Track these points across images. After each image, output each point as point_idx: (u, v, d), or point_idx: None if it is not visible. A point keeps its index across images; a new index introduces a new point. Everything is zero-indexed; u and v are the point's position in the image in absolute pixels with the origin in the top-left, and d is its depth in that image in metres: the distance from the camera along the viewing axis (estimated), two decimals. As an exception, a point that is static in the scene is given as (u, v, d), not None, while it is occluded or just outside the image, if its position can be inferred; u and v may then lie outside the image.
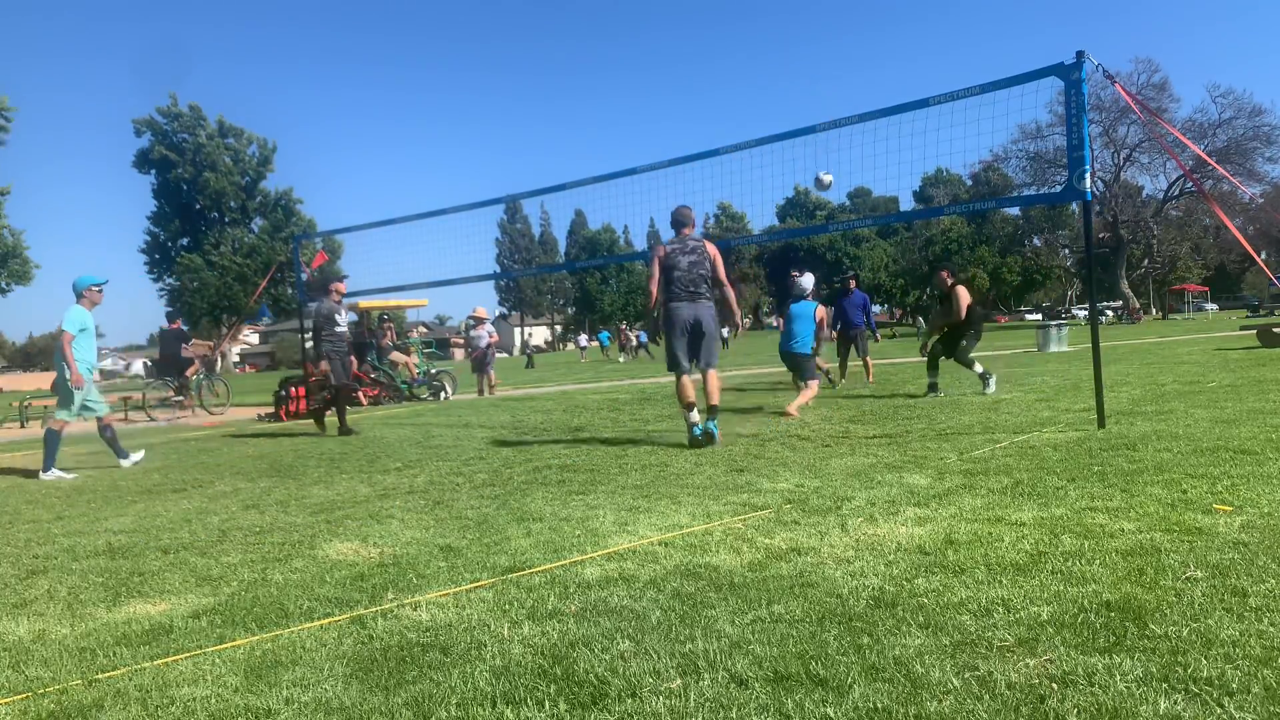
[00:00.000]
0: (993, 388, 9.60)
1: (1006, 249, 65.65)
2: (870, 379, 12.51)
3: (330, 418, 10.26)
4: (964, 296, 9.67)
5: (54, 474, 7.30)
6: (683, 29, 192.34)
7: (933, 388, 9.77)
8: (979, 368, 9.82)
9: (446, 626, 2.72)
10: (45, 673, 2.54)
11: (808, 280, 10.05)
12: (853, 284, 13.06)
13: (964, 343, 9.75)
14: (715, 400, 6.83)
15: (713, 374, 6.89)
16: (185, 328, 16.04)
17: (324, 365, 9.76)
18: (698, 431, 6.66)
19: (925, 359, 10.03)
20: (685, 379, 6.92)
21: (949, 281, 9.85)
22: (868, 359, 12.71)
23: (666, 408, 10.65)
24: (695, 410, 6.79)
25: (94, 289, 7.83)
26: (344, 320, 10.14)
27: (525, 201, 10.31)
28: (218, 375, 18.39)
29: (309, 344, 10.66)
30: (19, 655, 2.70)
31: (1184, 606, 2.49)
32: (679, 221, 7.14)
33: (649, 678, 2.21)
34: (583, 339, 52.86)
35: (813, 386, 9.30)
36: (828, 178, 8.77)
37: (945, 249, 70.17)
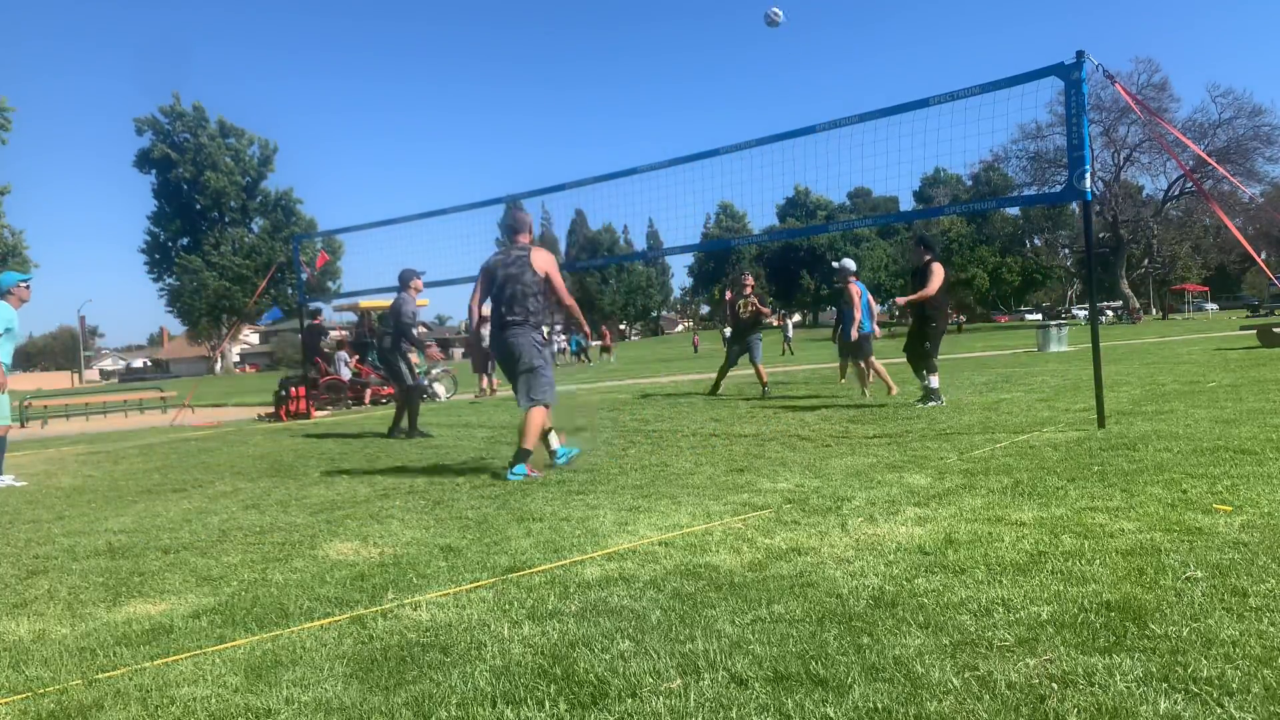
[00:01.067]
0: (932, 403, 8.62)
1: (1006, 249, 65.68)
2: (871, 379, 12.56)
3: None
4: (939, 275, 8.64)
5: (4, 480, 6.96)
6: (683, 28, 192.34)
7: (928, 395, 8.80)
8: (934, 382, 8.76)
9: (446, 626, 2.72)
10: (45, 673, 2.54)
11: (849, 263, 10.46)
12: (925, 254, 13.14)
13: (927, 344, 8.75)
14: (525, 442, 5.71)
15: (533, 412, 5.76)
16: (324, 323, 17.42)
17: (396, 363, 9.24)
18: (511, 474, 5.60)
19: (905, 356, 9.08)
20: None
21: (926, 257, 8.81)
22: (871, 359, 12.80)
23: (667, 407, 10.65)
24: (552, 434, 6.07)
25: (21, 285, 7.24)
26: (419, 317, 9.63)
27: (526, 201, 10.20)
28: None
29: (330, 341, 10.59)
30: (19, 655, 2.70)
31: (1184, 606, 2.49)
32: (510, 227, 6.20)
33: (649, 678, 2.21)
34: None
35: (875, 364, 10.10)
36: (778, 13, 8.60)
37: (946, 248, 70.19)
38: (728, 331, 12.46)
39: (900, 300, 9.26)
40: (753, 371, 12.11)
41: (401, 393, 9.40)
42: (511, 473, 5.60)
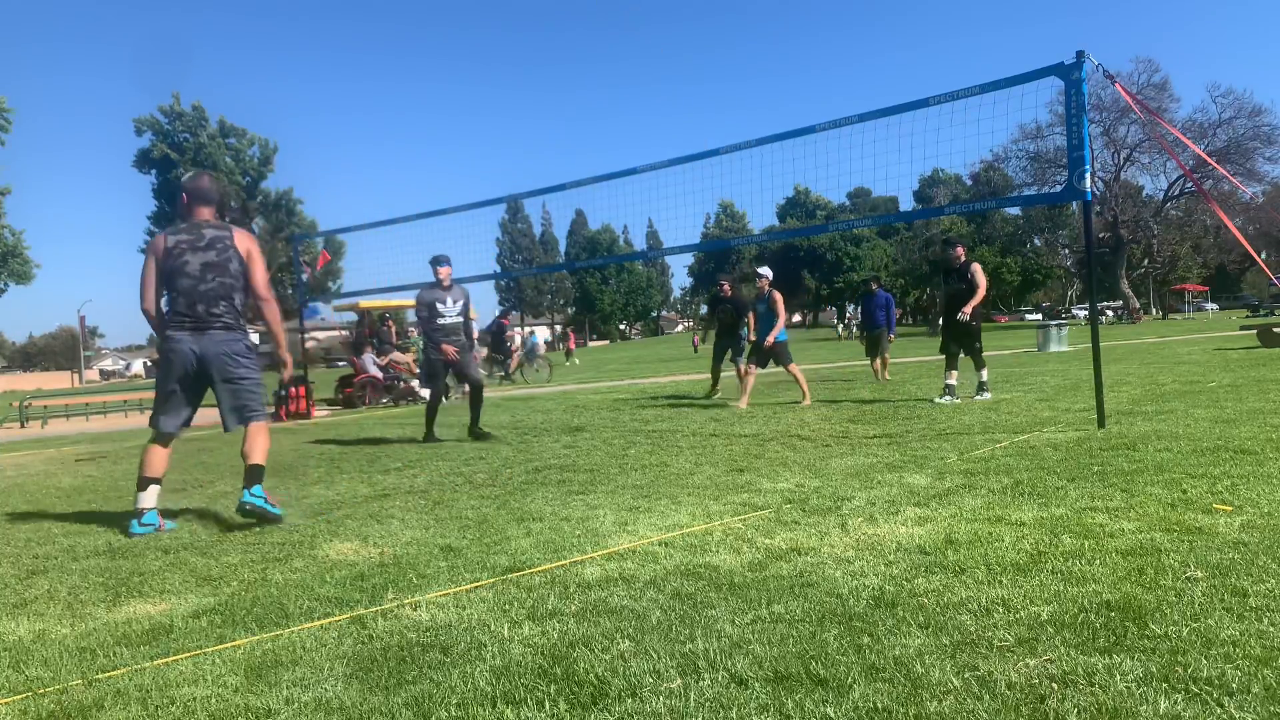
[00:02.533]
0: (986, 396, 9.11)
1: (1007, 249, 65.65)
2: (885, 377, 12.78)
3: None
4: (981, 271, 9.18)
5: None
6: (684, 26, 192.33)
7: (949, 390, 9.14)
8: (985, 375, 9.32)
9: (446, 626, 2.72)
10: (45, 673, 2.54)
11: (766, 270, 10.68)
12: (875, 286, 13.59)
13: (978, 344, 9.19)
14: (254, 459, 4.61)
15: (253, 428, 4.70)
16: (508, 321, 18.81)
17: (450, 353, 8.08)
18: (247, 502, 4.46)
19: (942, 357, 9.45)
20: (156, 448, 4.68)
21: (963, 256, 9.29)
22: (886, 356, 13.02)
23: (667, 408, 10.65)
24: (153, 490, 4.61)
25: None
26: (452, 308, 8.26)
27: (526, 201, 10.17)
28: (541, 356, 22.31)
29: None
30: (19, 655, 2.70)
31: (1184, 606, 2.49)
32: (195, 194, 4.75)
33: (649, 678, 2.21)
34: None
35: (796, 371, 10.41)
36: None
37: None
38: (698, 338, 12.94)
39: (968, 311, 9.17)
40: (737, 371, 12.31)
41: (474, 391, 8.58)
42: (250, 493, 4.49)
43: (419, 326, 8.47)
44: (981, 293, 9.08)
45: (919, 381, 12.31)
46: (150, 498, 4.57)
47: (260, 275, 4.74)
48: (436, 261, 8.30)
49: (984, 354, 9.39)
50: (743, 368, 11.48)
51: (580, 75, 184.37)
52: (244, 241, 4.75)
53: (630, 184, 8.97)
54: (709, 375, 12.86)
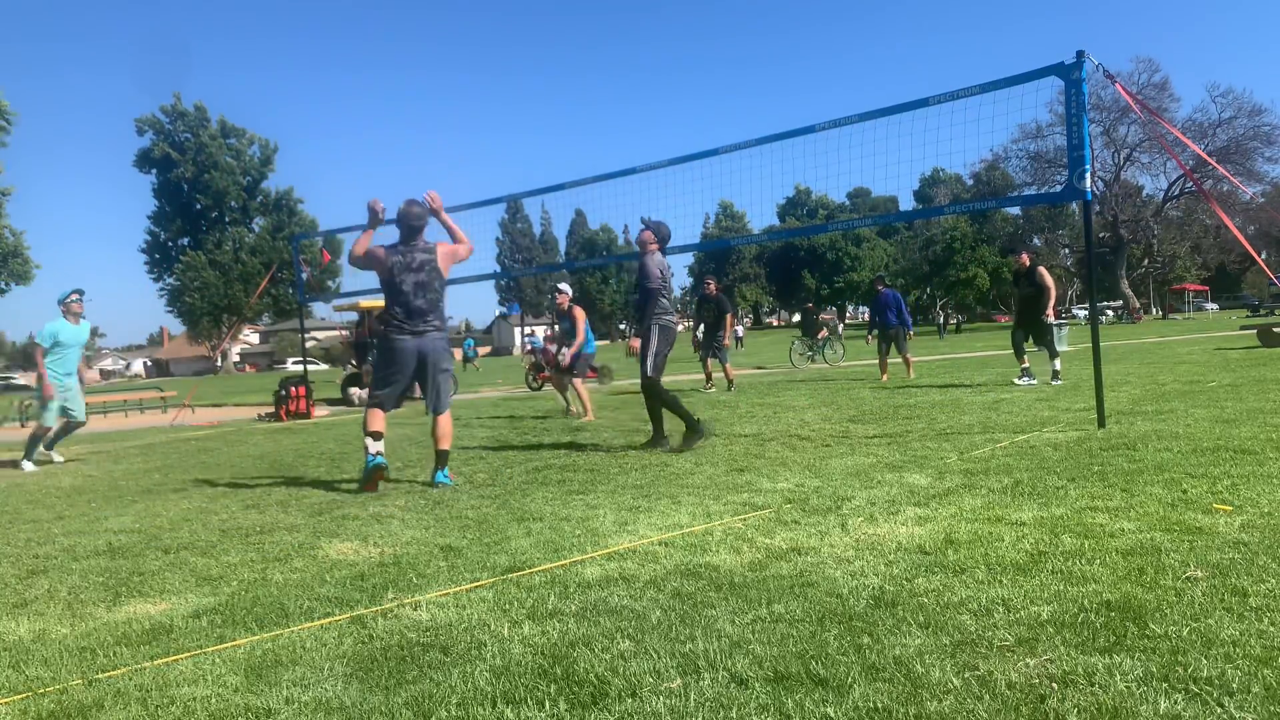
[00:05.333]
0: (1060, 383, 10.06)
1: (1007, 249, 65.64)
2: (910, 375, 12.96)
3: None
4: (1048, 274, 10.35)
5: (28, 465, 8.34)
6: (685, 26, 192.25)
7: (1026, 373, 10.37)
8: (1058, 364, 10.34)
9: (446, 626, 2.72)
10: (45, 673, 2.54)
11: (565, 286, 10.55)
12: (880, 286, 13.89)
13: (1051, 332, 10.37)
14: (446, 444, 5.70)
15: (442, 417, 5.72)
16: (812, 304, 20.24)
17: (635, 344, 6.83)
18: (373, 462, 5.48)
19: (1014, 351, 10.72)
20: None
21: (1028, 261, 10.56)
22: (908, 356, 13.15)
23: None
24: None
25: (73, 299, 8.62)
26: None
27: (526, 201, 10.19)
28: (839, 337, 23.49)
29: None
30: (19, 655, 2.70)
31: (1184, 606, 2.49)
32: (411, 224, 5.79)
33: (649, 677, 2.21)
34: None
35: (579, 386, 10.18)
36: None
37: (947, 247, 70.14)
38: (699, 333, 13.09)
39: (1051, 315, 10.61)
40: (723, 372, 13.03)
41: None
42: (442, 475, 5.60)
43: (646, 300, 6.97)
44: (1054, 293, 10.38)
45: (922, 381, 12.32)
46: (376, 445, 5.57)
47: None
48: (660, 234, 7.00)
49: (1024, 351, 10.65)
50: (728, 368, 12.65)
51: (580, 75, 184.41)
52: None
53: (630, 184, 8.96)
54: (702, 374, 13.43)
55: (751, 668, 2.23)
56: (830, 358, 20.46)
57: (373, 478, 5.48)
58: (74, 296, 8.62)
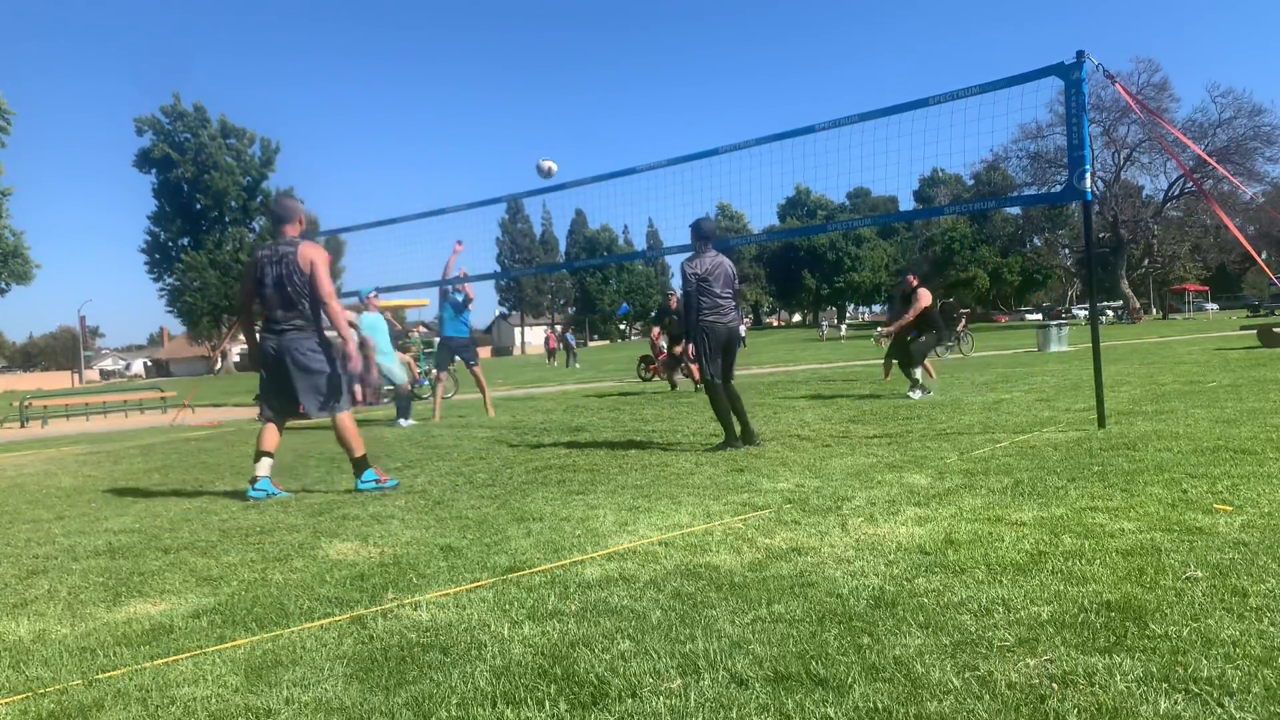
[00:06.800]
0: (916, 396, 9.47)
1: (1007, 249, 65.67)
2: (931, 376, 12.83)
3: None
4: (924, 300, 9.84)
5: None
6: (685, 26, 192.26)
7: (916, 386, 9.74)
8: (918, 374, 9.76)
9: (446, 626, 2.72)
10: (45, 673, 2.54)
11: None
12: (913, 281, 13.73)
13: (922, 339, 9.86)
14: (355, 450, 5.48)
15: (342, 418, 5.49)
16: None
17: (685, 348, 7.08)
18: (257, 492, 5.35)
19: (897, 363, 10.24)
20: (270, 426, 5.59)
21: (914, 283, 10.09)
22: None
23: (667, 407, 10.65)
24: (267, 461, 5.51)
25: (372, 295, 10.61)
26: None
27: (526, 201, 10.24)
28: (965, 333, 22.40)
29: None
30: (19, 655, 2.70)
31: (1184, 606, 2.49)
32: (277, 216, 5.61)
33: (649, 678, 2.21)
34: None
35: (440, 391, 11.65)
36: (548, 164, 9.06)
37: (947, 248, 70.16)
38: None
39: (883, 331, 10.45)
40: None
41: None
42: (361, 483, 5.39)
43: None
44: (905, 319, 9.87)
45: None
46: (260, 468, 5.49)
47: (323, 280, 5.44)
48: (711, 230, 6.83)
49: (913, 368, 9.92)
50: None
51: (580, 75, 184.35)
52: (306, 252, 5.43)
53: (630, 184, 8.96)
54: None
55: (751, 668, 2.23)
56: (965, 349, 20.96)
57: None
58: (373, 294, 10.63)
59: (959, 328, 21.49)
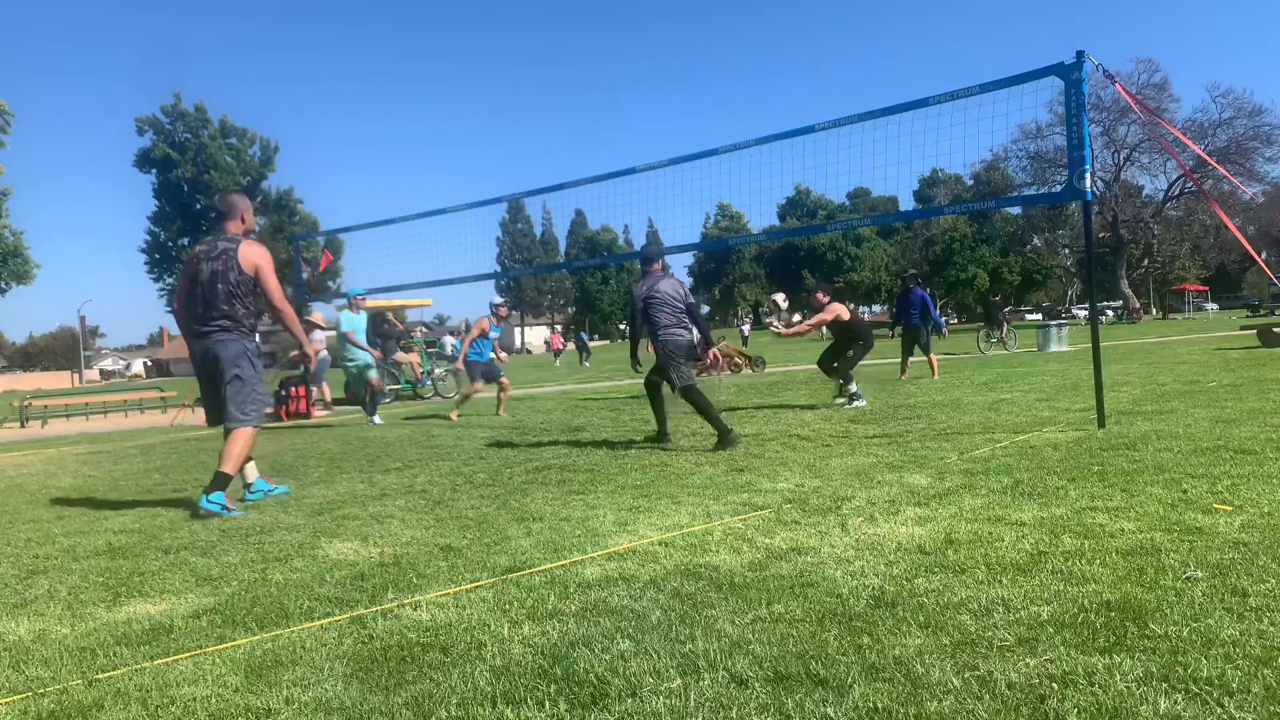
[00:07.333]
0: (850, 406, 9.07)
1: (1007, 249, 65.66)
2: (935, 376, 12.82)
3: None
4: (841, 313, 9.60)
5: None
6: (685, 26, 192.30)
7: (852, 396, 9.31)
8: (854, 386, 9.42)
9: (446, 626, 2.72)
10: (45, 673, 2.54)
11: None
12: (912, 284, 13.87)
13: (850, 353, 9.61)
14: (226, 465, 5.04)
15: (239, 432, 5.14)
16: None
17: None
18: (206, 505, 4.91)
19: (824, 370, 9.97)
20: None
21: (824, 300, 9.73)
22: (931, 357, 13.07)
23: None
24: (251, 464, 5.41)
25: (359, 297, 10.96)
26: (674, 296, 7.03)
27: (527, 201, 10.28)
28: (1010, 330, 23.40)
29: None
30: (19, 655, 2.70)
31: (1184, 606, 2.49)
32: (218, 212, 5.42)
33: (649, 677, 2.21)
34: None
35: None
36: (783, 301, 10.46)
37: (947, 248, 70.14)
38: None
39: (783, 331, 10.56)
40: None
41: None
42: (207, 501, 4.91)
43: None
44: (800, 329, 10.07)
45: (924, 381, 12.32)
46: (251, 472, 5.42)
47: (269, 283, 5.24)
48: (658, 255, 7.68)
49: (849, 372, 9.64)
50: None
51: (581, 75, 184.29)
52: (248, 251, 5.20)
53: (630, 184, 8.97)
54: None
55: (751, 668, 2.23)
56: (1009, 345, 21.58)
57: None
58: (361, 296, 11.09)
59: (1003, 324, 22.33)
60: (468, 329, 12.19)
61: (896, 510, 3.98)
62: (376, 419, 10.81)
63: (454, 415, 10.89)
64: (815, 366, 10.42)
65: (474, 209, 10.81)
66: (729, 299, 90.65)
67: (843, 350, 9.75)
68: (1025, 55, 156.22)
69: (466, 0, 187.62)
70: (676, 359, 6.82)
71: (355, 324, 11.12)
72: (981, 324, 27.13)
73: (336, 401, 15.77)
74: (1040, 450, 5.46)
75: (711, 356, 11.08)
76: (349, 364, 11.12)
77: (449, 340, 24.86)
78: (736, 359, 17.78)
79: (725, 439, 6.43)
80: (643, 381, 7.36)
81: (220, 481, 4.99)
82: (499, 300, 11.60)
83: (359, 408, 13.46)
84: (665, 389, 7.25)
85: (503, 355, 11.70)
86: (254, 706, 2.20)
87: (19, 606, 3.27)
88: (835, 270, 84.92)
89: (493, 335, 11.25)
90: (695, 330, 7.07)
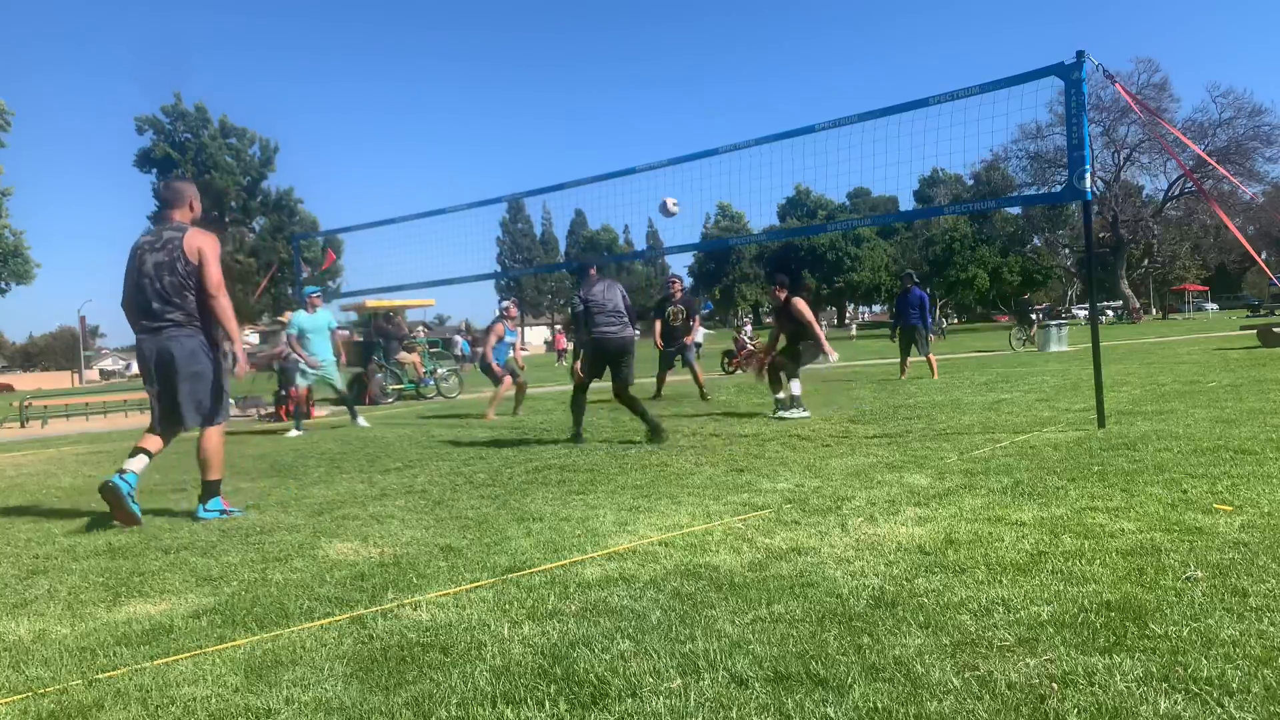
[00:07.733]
0: (790, 416, 8.37)
1: (1007, 249, 65.65)
2: (935, 376, 12.77)
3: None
4: (803, 308, 8.81)
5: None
6: (685, 26, 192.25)
7: (792, 401, 8.60)
8: (796, 390, 8.62)
9: (446, 626, 2.72)
10: (45, 673, 2.54)
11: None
12: (909, 284, 13.74)
13: (800, 350, 8.83)
14: (211, 472, 4.87)
15: (211, 433, 4.92)
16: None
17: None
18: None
19: (765, 377, 9.04)
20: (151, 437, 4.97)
21: (782, 296, 8.94)
22: (930, 356, 13.04)
23: (667, 407, 10.65)
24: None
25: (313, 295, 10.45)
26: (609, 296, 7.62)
27: (527, 201, 10.26)
28: (1041, 327, 23.14)
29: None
30: (19, 655, 2.70)
31: (1184, 606, 2.49)
32: (164, 201, 5.15)
33: (649, 677, 2.21)
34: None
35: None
36: (674, 205, 8.93)
37: (947, 248, 70.15)
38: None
39: (774, 340, 9.36)
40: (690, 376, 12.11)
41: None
42: (204, 510, 4.80)
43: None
44: (818, 328, 8.93)
45: (924, 381, 12.32)
46: (130, 462, 4.96)
47: (212, 273, 4.87)
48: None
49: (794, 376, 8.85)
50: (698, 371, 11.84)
51: (581, 75, 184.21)
52: (194, 240, 4.86)
53: (630, 184, 8.98)
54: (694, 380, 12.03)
55: (751, 668, 2.23)
56: (1039, 342, 21.87)
57: (115, 505, 4.61)
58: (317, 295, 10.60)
59: (1034, 323, 23.01)
60: (468, 328, 12.15)
61: (896, 510, 3.98)
62: (361, 420, 10.67)
63: (490, 414, 10.57)
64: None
65: (474, 209, 10.81)
66: (729, 299, 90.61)
67: (793, 348, 8.90)
68: (1025, 55, 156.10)
69: (466, 0, 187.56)
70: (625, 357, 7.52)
71: (312, 324, 10.43)
72: (1012, 324, 27.71)
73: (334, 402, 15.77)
74: (1040, 450, 5.46)
75: (746, 353, 11.02)
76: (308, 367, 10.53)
77: (458, 340, 24.88)
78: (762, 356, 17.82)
79: (655, 434, 7.13)
80: (576, 385, 7.78)
81: (210, 490, 4.89)
82: (506, 302, 11.52)
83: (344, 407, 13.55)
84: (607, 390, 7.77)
85: (520, 357, 11.68)
86: (254, 706, 2.20)
87: (19, 606, 3.27)
88: (835, 270, 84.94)
89: (509, 339, 11.24)
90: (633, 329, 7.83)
